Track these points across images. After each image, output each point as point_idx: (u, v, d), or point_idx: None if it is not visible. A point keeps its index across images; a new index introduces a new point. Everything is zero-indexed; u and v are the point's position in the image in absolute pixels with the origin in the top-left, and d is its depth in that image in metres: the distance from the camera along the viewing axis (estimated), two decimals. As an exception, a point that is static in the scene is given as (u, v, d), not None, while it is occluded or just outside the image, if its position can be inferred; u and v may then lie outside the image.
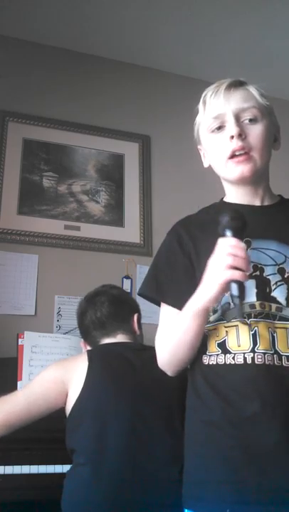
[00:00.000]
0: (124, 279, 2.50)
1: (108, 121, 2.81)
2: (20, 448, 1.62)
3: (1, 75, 2.67)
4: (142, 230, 2.68)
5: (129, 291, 2.47)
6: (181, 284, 1.11)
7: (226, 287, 0.97)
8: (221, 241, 0.99)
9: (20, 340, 2.00)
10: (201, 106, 1.19)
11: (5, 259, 2.39)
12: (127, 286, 2.48)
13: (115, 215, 2.69)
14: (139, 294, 1.20)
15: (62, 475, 1.45)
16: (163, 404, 1.46)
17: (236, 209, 1.06)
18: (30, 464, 1.62)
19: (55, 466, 1.64)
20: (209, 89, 1.17)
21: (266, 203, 1.17)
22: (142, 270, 2.51)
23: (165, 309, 1.14)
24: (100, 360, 1.52)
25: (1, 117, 2.62)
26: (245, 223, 1.01)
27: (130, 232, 2.67)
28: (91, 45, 2.85)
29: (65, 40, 2.81)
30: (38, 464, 1.62)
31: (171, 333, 1.09)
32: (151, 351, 1.58)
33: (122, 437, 1.37)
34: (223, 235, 1.00)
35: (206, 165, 1.23)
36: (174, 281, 1.13)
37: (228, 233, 0.99)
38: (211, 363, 1.05)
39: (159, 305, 1.17)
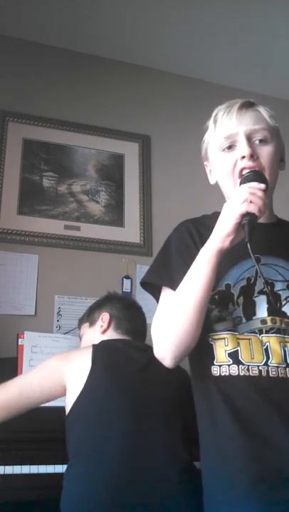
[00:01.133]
0: (124, 279, 2.50)
1: (108, 121, 2.81)
2: (20, 448, 1.62)
3: (1, 74, 2.67)
4: (142, 230, 2.68)
5: (129, 291, 2.47)
6: None
7: (240, 224, 0.98)
8: (243, 185, 1.02)
9: (20, 340, 2.00)
10: (211, 124, 1.20)
11: (5, 259, 2.39)
12: (127, 286, 2.48)
13: (115, 215, 2.69)
14: (146, 283, 1.17)
15: (62, 475, 1.44)
16: (164, 404, 1.46)
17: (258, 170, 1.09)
18: (30, 464, 1.62)
19: (55, 466, 1.64)
20: (220, 108, 1.19)
21: (270, 221, 1.19)
22: (142, 270, 2.51)
23: (169, 295, 1.10)
24: (104, 356, 1.51)
25: (1, 117, 2.62)
26: (267, 182, 1.05)
27: (130, 232, 2.67)
28: (91, 45, 2.85)
29: (65, 40, 2.81)
30: (38, 464, 1.62)
31: (175, 303, 1.04)
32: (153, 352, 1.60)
33: (122, 437, 1.37)
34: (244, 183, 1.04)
35: (212, 182, 1.25)
36: (187, 269, 1.08)
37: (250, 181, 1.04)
38: (223, 374, 1.04)
39: (157, 296, 1.15)
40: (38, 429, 1.54)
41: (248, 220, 0.98)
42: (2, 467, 1.59)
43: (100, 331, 1.71)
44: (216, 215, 1.05)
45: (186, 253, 1.13)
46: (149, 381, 1.49)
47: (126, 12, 2.63)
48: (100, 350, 1.54)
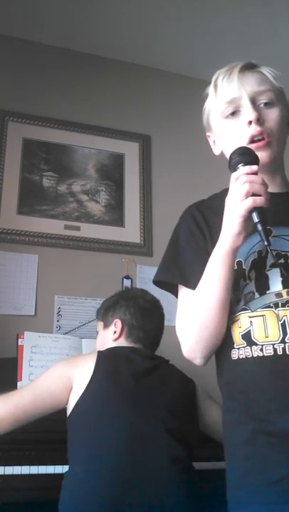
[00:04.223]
0: (124, 279, 2.50)
1: (108, 121, 2.81)
2: (20, 448, 1.61)
3: (1, 74, 2.67)
4: (142, 230, 2.68)
5: (129, 291, 2.47)
6: (204, 267, 1.03)
7: (249, 218, 0.91)
8: (234, 174, 0.94)
9: (20, 340, 2.00)
10: (211, 90, 1.13)
11: (5, 259, 2.39)
12: (127, 286, 2.48)
13: (115, 215, 2.69)
14: (158, 281, 1.11)
15: (62, 476, 1.44)
16: (165, 407, 1.46)
17: (243, 146, 1.01)
18: (30, 465, 1.61)
19: (55, 466, 1.63)
20: (220, 72, 1.12)
21: (283, 191, 1.12)
22: (142, 270, 2.51)
23: (186, 293, 1.06)
24: (107, 361, 1.51)
25: (1, 117, 2.61)
26: (257, 157, 0.97)
27: (130, 232, 2.66)
28: (91, 45, 2.85)
29: (65, 40, 2.81)
30: (38, 465, 1.61)
31: (198, 305, 1.00)
32: (159, 360, 1.60)
33: (122, 439, 1.37)
34: (235, 170, 0.96)
35: (216, 152, 1.17)
36: (198, 264, 1.04)
37: (240, 166, 0.95)
38: (240, 357, 0.98)
39: (174, 292, 1.10)
40: (38, 429, 1.53)
41: (260, 220, 0.90)
42: (2, 467, 1.59)
43: (112, 338, 1.68)
44: (225, 193, 0.99)
45: (194, 244, 1.07)
46: (151, 385, 1.49)
47: (126, 12, 2.63)
48: (104, 356, 1.54)
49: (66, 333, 2.26)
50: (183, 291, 1.07)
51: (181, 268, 1.07)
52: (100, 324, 1.78)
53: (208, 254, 1.02)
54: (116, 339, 1.68)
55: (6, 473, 1.55)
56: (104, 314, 1.76)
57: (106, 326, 1.74)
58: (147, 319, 1.70)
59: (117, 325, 1.69)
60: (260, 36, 2.77)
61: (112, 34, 2.78)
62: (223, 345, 1.01)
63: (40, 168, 2.62)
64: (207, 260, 1.02)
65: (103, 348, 1.66)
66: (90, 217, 2.63)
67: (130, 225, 2.68)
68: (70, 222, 2.57)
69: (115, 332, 1.68)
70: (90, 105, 2.81)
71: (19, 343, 1.99)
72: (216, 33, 2.77)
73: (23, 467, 1.61)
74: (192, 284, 1.03)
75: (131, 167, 2.80)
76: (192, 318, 1.01)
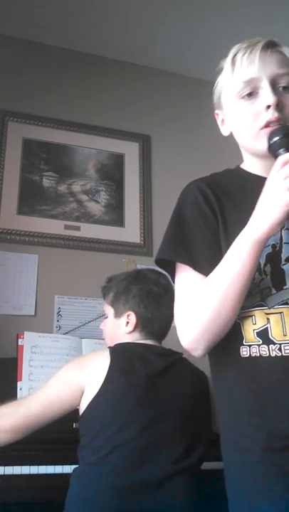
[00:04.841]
0: (124, 279, 2.50)
1: (108, 121, 2.81)
2: (20, 448, 1.61)
3: (1, 74, 2.67)
4: (142, 230, 2.68)
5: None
6: (212, 248, 0.98)
7: None
8: (280, 159, 0.88)
9: (20, 340, 2.00)
10: (228, 66, 1.04)
11: (5, 259, 2.39)
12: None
13: (115, 215, 2.69)
14: (161, 260, 1.03)
15: (63, 475, 1.45)
16: (178, 409, 1.45)
17: (285, 126, 0.96)
18: (30, 465, 1.61)
19: (55, 466, 1.63)
20: (240, 47, 1.05)
21: None
22: (142, 270, 2.51)
23: (192, 277, 0.97)
24: (121, 361, 1.48)
25: (1, 117, 2.61)
26: None
27: (130, 232, 2.66)
28: (91, 45, 2.85)
29: (65, 40, 2.81)
30: (39, 465, 1.61)
31: (212, 293, 0.92)
32: (173, 357, 1.57)
33: (133, 441, 1.36)
34: (276, 156, 0.90)
35: (225, 133, 1.10)
36: (208, 246, 0.98)
37: (283, 151, 0.90)
38: (253, 355, 0.92)
39: (172, 272, 1.03)
40: (39, 429, 1.53)
41: None
42: (2, 467, 1.59)
43: (125, 331, 1.61)
44: (227, 173, 0.93)
45: (203, 224, 1.00)
46: (165, 386, 1.47)
47: (126, 11, 2.63)
48: (118, 355, 1.50)
49: (66, 333, 2.26)
50: (187, 273, 0.98)
51: (189, 248, 0.99)
52: (110, 310, 1.67)
53: (217, 235, 0.97)
54: (130, 332, 1.60)
55: (6, 473, 1.55)
56: (115, 301, 1.65)
57: (118, 314, 1.64)
58: (161, 309, 1.62)
59: (130, 317, 1.60)
60: (260, 36, 2.77)
61: (112, 34, 2.78)
62: (228, 340, 0.95)
63: (40, 168, 2.62)
64: (218, 243, 0.97)
65: (113, 337, 1.62)
66: (90, 217, 2.63)
67: (130, 225, 2.68)
68: (70, 222, 2.57)
69: (128, 323, 1.60)
70: (90, 105, 2.81)
71: (19, 343, 1.99)
72: (216, 33, 2.77)
73: (23, 467, 1.61)
74: (201, 268, 0.96)
75: (131, 167, 2.80)
76: (201, 307, 0.93)
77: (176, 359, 1.58)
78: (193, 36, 2.79)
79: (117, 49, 2.88)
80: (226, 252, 0.92)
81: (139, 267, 2.54)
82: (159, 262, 1.04)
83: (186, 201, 1.06)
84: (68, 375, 1.48)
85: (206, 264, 0.96)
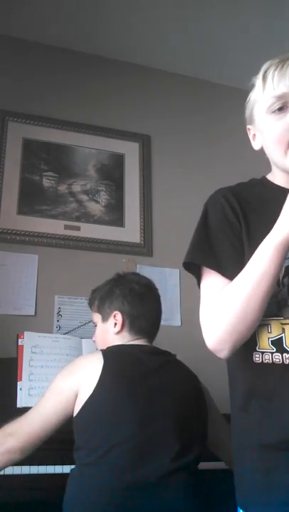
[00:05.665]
0: (124, 279, 2.50)
1: (108, 121, 2.81)
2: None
3: (1, 74, 2.67)
4: (142, 230, 2.68)
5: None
6: (237, 254, 1.01)
7: None
8: None
9: (20, 340, 2.00)
10: (260, 82, 1.07)
11: (5, 259, 2.39)
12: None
13: (115, 215, 2.69)
14: (189, 263, 1.05)
15: (62, 476, 1.44)
16: (174, 409, 1.46)
17: None
18: (30, 465, 1.61)
19: (55, 466, 1.64)
20: (271, 63, 1.06)
21: None
22: (142, 270, 2.51)
23: (218, 280, 1.00)
24: (114, 362, 1.49)
25: (1, 117, 2.61)
26: None
27: (130, 232, 2.66)
28: (91, 45, 2.85)
29: (65, 40, 2.81)
30: (38, 465, 1.61)
31: (238, 295, 0.95)
32: (166, 357, 1.57)
33: (131, 440, 1.37)
34: None
35: (256, 147, 1.13)
36: (233, 252, 1.01)
37: None
38: (265, 361, 0.96)
39: (198, 275, 1.06)
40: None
41: None
42: (2, 467, 1.59)
43: (113, 331, 1.63)
44: (253, 183, 0.95)
45: (229, 230, 1.03)
46: (159, 385, 1.48)
47: (126, 12, 2.63)
48: (110, 356, 1.50)
49: (66, 333, 2.26)
50: (213, 277, 1.02)
51: (216, 253, 1.02)
52: (97, 316, 1.71)
53: (242, 243, 1.01)
54: (118, 332, 1.62)
55: (6, 473, 1.55)
56: (100, 305, 1.69)
57: (105, 318, 1.67)
58: (147, 305, 1.65)
59: (117, 317, 1.63)
60: (260, 36, 2.77)
61: (112, 34, 2.78)
62: (242, 346, 0.98)
63: (40, 168, 2.62)
64: (242, 249, 1.00)
65: (105, 342, 1.63)
66: (90, 217, 2.63)
67: (130, 225, 2.68)
68: (70, 222, 2.57)
69: (116, 324, 1.63)
70: (90, 105, 2.81)
71: (19, 343, 1.99)
72: (216, 33, 2.77)
73: (23, 467, 1.61)
74: (227, 272, 1.00)
75: (131, 167, 2.80)
76: (229, 307, 0.95)
77: (170, 359, 1.59)
78: (194, 36, 2.79)
79: (117, 49, 2.88)
80: (249, 257, 0.95)
81: (139, 267, 2.54)
82: (186, 265, 1.07)
83: (213, 208, 1.09)
84: (61, 385, 1.48)
85: (231, 269, 0.99)
